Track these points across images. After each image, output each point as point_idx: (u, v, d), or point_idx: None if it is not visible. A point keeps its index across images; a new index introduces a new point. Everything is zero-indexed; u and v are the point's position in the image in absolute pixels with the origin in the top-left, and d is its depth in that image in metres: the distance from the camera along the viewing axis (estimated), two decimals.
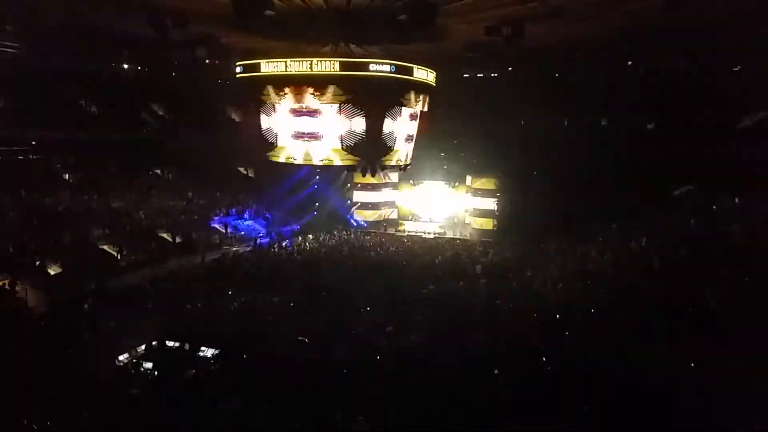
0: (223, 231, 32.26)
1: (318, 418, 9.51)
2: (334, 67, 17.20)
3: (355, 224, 38.93)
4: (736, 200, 21.47)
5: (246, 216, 35.40)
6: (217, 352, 14.61)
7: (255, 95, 19.16)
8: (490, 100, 35.29)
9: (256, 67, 18.32)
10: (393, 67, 17.56)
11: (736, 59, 29.30)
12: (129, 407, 10.69)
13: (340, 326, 16.76)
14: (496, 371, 11.21)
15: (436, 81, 19.78)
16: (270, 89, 18.66)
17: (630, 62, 32.10)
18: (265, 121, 19.54)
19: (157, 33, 15.74)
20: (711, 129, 28.57)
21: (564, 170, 31.36)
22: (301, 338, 15.32)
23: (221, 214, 33.86)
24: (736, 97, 28.06)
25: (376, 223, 39.26)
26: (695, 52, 26.67)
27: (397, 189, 40.13)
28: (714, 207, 21.76)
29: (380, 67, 17.47)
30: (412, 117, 20.33)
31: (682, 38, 22.13)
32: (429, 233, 37.31)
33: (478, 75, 36.18)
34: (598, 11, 15.95)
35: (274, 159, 20.20)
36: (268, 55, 19.72)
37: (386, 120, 18.69)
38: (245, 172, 42.01)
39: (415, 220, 39.25)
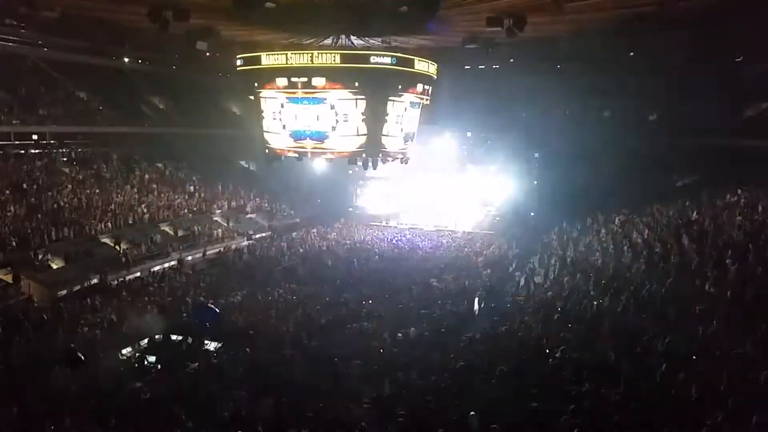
0: None
1: (321, 410, 9.54)
2: (335, 60, 17.12)
3: (357, 216, 38.91)
4: (739, 192, 21.38)
5: None
6: (220, 345, 14.65)
7: (255, 87, 19.12)
8: (491, 91, 35.20)
9: (256, 60, 18.26)
10: (394, 59, 17.47)
11: (738, 50, 29.18)
12: (133, 400, 10.72)
13: (342, 319, 16.81)
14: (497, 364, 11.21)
15: (437, 73, 19.70)
16: (271, 81, 18.62)
17: (632, 54, 31.98)
18: (266, 114, 19.50)
19: (157, 26, 15.66)
20: (713, 120, 28.46)
21: (566, 161, 31.28)
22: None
23: None
24: (739, 88, 27.98)
25: (378, 216, 39.23)
26: (697, 42, 26.59)
27: (398, 181, 40.05)
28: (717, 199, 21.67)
29: (381, 59, 17.38)
30: (414, 109, 20.26)
31: (684, 29, 22.05)
32: (430, 225, 37.27)
33: (480, 66, 36.02)
34: (600, 2, 15.87)
35: (276, 151, 20.18)
36: (269, 47, 19.67)
37: (387, 112, 18.64)
38: (246, 166, 42.00)
39: (417, 212, 39.17)
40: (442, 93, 21.95)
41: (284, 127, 19.10)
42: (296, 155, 19.59)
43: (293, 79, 17.94)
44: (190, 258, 26.31)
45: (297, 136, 19.00)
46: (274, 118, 19.17)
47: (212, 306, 15.69)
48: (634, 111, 33.15)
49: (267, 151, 20.25)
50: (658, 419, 8.12)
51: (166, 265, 24.74)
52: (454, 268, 23.88)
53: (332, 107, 18.14)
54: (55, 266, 22.14)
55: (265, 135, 19.85)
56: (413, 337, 14.63)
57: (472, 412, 8.70)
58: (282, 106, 18.78)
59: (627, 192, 27.93)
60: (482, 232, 35.44)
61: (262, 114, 19.49)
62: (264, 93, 18.94)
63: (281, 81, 18.25)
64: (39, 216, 24.00)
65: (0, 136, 27.72)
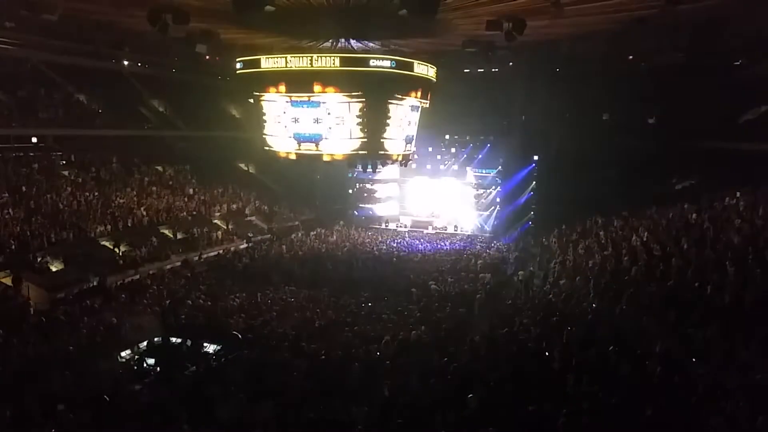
0: None
1: (320, 413, 9.54)
2: (334, 63, 17.16)
3: (357, 218, 38.97)
4: (738, 195, 21.39)
5: None
6: (219, 348, 14.65)
7: (255, 91, 19.15)
8: (491, 95, 35.25)
9: (256, 63, 18.29)
10: (393, 62, 17.52)
11: (737, 53, 29.21)
12: (132, 403, 10.71)
13: (341, 322, 16.79)
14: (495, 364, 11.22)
15: (436, 76, 19.74)
16: (270, 85, 18.66)
17: (631, 57, 31.99)
18: (268, 117, 19.53)
19: (157, 29, 15.69)
20: (712, 123, 28.46)
21: (565, 165, 31.32)
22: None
23: None
24: (738, 91, 27.99)
25: (377, 219, 39.29)
26: (696, 45, 26.59)
27: (398, 184, 40.18)
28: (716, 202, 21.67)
29: (381, 63, 17.43)
30: (414, 112, 20.30)
31: (683, 32, 22.09)
32: (430, 228, 37.33)
33: (479, 70, 36.06)
34: (599, 6, 15.91)
35: (275, 154, 20.21)
36: (269, 51, 19.72)
37: (388, 115, 18.68)
38: (246, 168, 42.02)
39: (417, 215, 39.25)
40: (441, 96, 21.98)
41: (286, 129, 19.16)
42: (297, 158, 19.64)
43: (293, 82, 18.00)
44: (195, 259, 26.31)
45: (299, 138, 19.06)
46: (278, 122, 19.22)
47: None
48: (633, 114, 33.17)
49: (266, 149, 20.29)
50: (658, 422, 8.12)
51: (166, 267, 24.71)
52: (454, 271, 23.89)
53: (332, 111, 18.20)
54: (54, 268, 22.11)
55: (268, 139, 19.87)
56: (413, 339, 14.62)
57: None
58: (284, 110, 18.83)
59: (626, 195, 27.92)
60: (482, 234, 35.51)
61: (264, 117, 19.53)
62: (266, 96, 18.99)
63: (282, 84, 18.30)
64: (38, 218, 23.99)
65: None
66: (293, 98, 18.35)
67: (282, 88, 18.31)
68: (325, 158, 19.19)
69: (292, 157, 19.66)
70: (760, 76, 27.01)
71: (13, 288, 19.74)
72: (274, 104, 18.99)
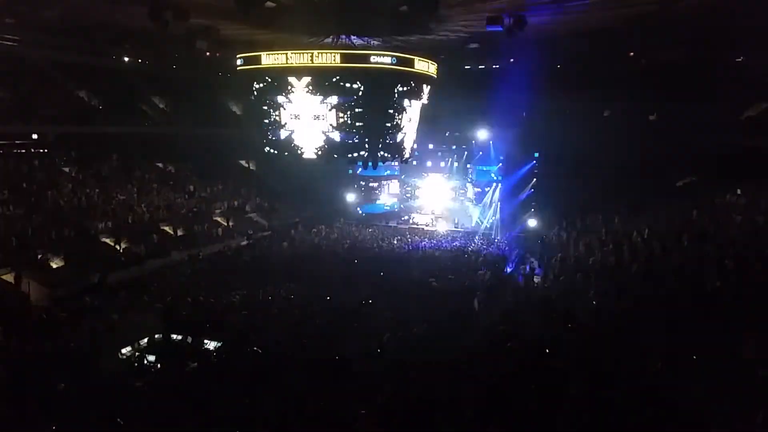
0: None
1: (321, 410, 9.53)
2: (335, 59, 17.15)
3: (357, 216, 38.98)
4: (739, 191, 21.39)
5: None
6: (220, 344, 14.65)
7: (255, 87, 19.14)
8: (491, 91, 35.17)
9: (256, 59, 18.27)
10: (394, 58, 17.50)
11: (738, 49, 29.13)
12: (132, 400, 10.71)
13: (341, 319, 16.79)
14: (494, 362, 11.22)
15: (437, 72, 19.70)
16: (271, 81, 18.65)
17: (632, 53, 31.92)
18: (266, 113, 19.51)
19: (157, 26, 15.66)
20: (714, 120, 28.42)
21: (566, 162, 31.29)
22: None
23: None
24: (739, 87, 27.94)
25: (377, 216, 39.27)
26: (698, 42, 26.54)
27: (398, 181, 40.20)
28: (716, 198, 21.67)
29: (381, 59, 17.41)
30: (413, 108, 20.27)
31: (684, 28, 22.03)
32: (430, 225, 37.31)
33: (480, 66, 35.98)
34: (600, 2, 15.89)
35: (276, 151, 20.20)
36: (269, 47, 19.69)
37: (387, 112, 18.66)
38: (246, 165, 41.99)
39: (417, 211, 39.25)
40: (442, 93, 21.93)
41: (285, 124, 19.16)
42: (298, 153, 19.62)
43: (295, 78, 17.99)
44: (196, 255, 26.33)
45: (298, 133, 19.06)
46: (275, 116, 19.22)
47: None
48: (634, 110, 33.11)
49: (267, 150, 20.27)
50: (659, 419, 8.12)
51: (167, 264, 24.71)
52: (454, 268, 23.87)
53: (331, 106, 18.18)
54: (55, 266, 22.13)
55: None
56: (413, 337, 14.63)
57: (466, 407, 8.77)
58: (282, 104, 18.83)
59: (627, 191, 27.91)
60: (483, 231, 35.47)
61: (262, 113, 19.51)
62: (269, 93, 18.99)
63: (284, 80, 18.29)
64: (39, 216, 24.00)
65: (0, 136, 27.69)
66: (294, 93, 18.34)
67: (283, 83, 18.31)
68: (328, 155, 19.18)
69: (294, 152, 19.65)
70: (762, 72, 26.95)
71: (14, 285, 19.76)
72: (273, 99, 19.00)
